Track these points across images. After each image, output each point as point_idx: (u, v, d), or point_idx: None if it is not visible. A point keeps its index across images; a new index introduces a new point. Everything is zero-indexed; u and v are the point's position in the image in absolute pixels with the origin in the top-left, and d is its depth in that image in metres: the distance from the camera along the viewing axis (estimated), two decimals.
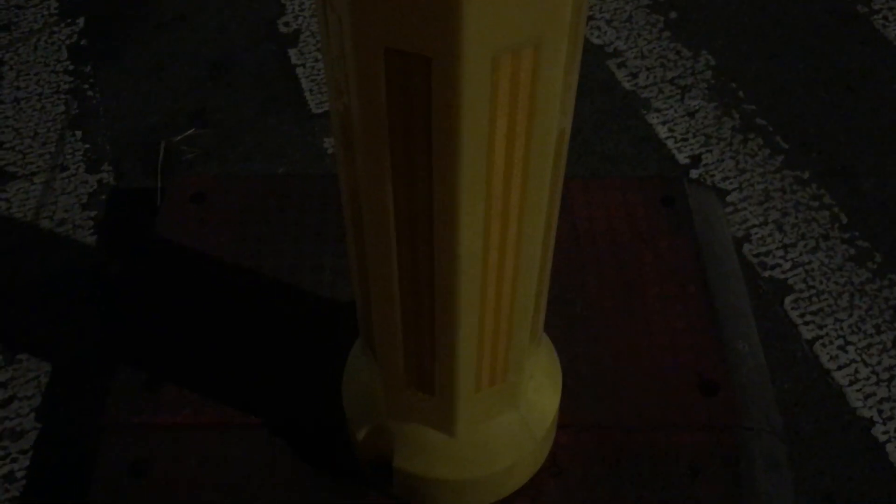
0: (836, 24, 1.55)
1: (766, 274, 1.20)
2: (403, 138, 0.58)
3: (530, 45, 0.51)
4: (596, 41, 1.53)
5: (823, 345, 1.12)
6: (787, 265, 1.21)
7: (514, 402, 0.84)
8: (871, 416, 1.05)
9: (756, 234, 1.24)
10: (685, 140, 1.37)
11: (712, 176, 1.32)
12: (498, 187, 0.62)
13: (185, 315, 1.10)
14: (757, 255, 1.22)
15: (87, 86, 1.45)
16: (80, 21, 1.56)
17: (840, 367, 1.09)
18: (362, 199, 0.67)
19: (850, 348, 1.11)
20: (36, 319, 1.16)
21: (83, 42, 1.53)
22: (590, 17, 1.57)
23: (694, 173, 1.33)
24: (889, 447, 1.03)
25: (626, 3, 1.59)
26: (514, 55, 0.51)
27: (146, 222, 1.24)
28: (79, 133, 1.38)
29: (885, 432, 1.04)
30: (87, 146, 1.36)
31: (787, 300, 1.17)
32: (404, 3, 0.49)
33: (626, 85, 1.45)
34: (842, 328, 1.13)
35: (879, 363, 1.10)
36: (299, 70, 1.49)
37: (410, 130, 0.57)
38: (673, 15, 1.57)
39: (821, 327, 1.14)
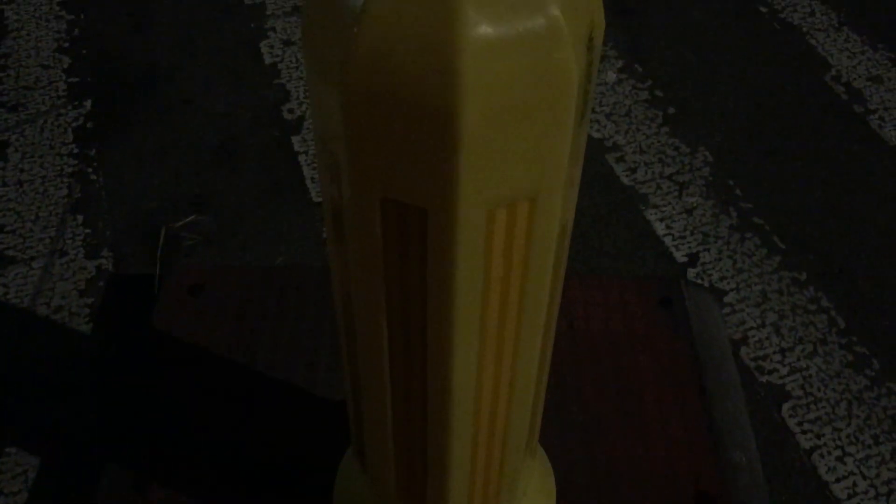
0: (834, 123, 1.57)
1: (764, 379, 1.19)
2: (399, 278, 0.59)
3: (526, 199, 0.52)
4: (595, 135, 1.55)
5: (821, 455, 1.10)
6: (785, 370, 1.20)
7: None
8: None
9: (754, 336, 1.24)
10: (683, 238, 1.38)
11: (710, 275, 1.32)
12: (493, 326, 0.62)
13: (177, 411, 1.09)
14: (754, 359, 1.21)
15: (90, 169, 1.47)
16: (88, 103, 1.58)
17: (838, 480, 1.08)
18: (356, 327, 0.68)
19: (849, 459, 1.10)
20: (27, 410, 1.15)
21: (89, 125, 1.54)
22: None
23: (691, 272, 1.33)
24: None
25: (626, 97, 1.62)
26: (509, 208, 0.52)
27: (143, 311, 1.24)
28: (80, 217, 1.39)
29: None
30: (88, 231, 1.37)
31: (785, 407, 1.16)
32: (402, 158, 0.50)
33: (625, 180, 1.47)
34: (840, 438, 1.12)
35: (878, 476, 1.08)
36: (301, 157, 1.50)
37: (406, 271, 0.58)
38: (671, 110, 1.59)
39: (819, 437, 1.12)
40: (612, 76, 1.66)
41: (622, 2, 1.85)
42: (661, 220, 1.40)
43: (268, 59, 1.70)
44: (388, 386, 0.70)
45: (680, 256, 1.35)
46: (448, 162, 0.47)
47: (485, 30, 0.44)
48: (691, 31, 1.78)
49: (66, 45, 1.71)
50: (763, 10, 1.81)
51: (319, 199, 1.44)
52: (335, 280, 0.71)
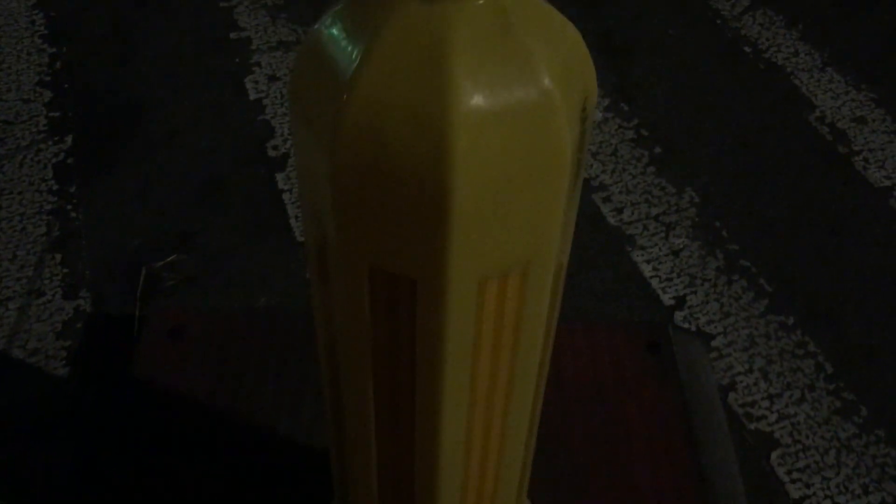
0: (819, 164, 1.57)
1: (752, 426, 1.18)
2: (387, 343, 0.57)
3: (518, 269, 0.50)
4: None
5: None
6: (773, 417, 1.19)
7: None
8: None
9: (741, 382, 1.23)
10: (670, 280, 1.37)
11: (697, 319, 1.31)
12: (483, 391, 0.60)
13: (157, 458, 1.06)
14: (742, 405, 1.20)
15: (70, 206, 1.44)
16: (69, 139, 1.56)
17: None
18: (340, 385, 0.66)
19: None
20: (1, 456, 1.12)
21: (70, 160, 1.52)
22: None
23: (679, 316, 1.32)
24: None
25: (612, 136, 1.62)
26: (500, 279, 0.50)
27: (122, 354, 1.21)
28: (58, 256, 1.36)
29: None
30: (66, 270, 1.34)
31: (774, 455, 1.15)
32: (391, 229, 0.48)
33: (612, 220, 1.46)
34: (829, 487, 1.11)
35: None
36: (286, 196, 1.49)
37: (394, 338, 0.56)
38: (657, 150, 1.59)
39: (808, 486, 1.11)
40: (598, 115, 1.66)
41: (608, 40, 1.86)
42: (648, 261, 1.39)
43: (252, 95, 1.68)
44: (373, 444, 0.68)
45: (667, 299, 1.34)
46: (438, 235, 0.46)
47: (476, 103, 0.43)
48: (677, 70, 1.79)
49: (48, 78, 1.69)
50: (747, 49, 1.82)
51: (303, 239, 1.42)
52: (319, 336, 0.69)
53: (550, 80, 0.44)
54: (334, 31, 0.45)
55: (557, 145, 0.46)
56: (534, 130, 0.45)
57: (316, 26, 0.46)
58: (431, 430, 0.62)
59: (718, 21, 1.90)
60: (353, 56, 0.44)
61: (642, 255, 1.41)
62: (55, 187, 1.47)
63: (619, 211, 1.48)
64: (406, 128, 0.44)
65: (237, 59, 1.77)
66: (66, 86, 1.68)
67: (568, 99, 0.46)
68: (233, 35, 1.83)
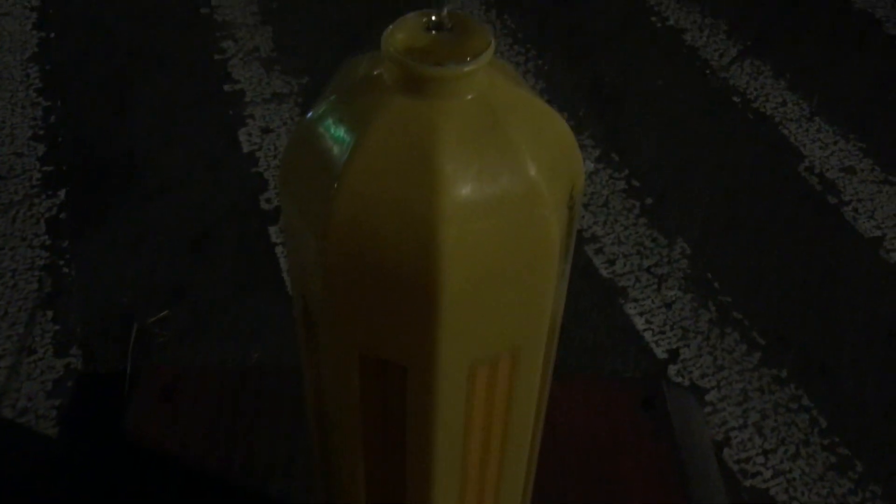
0: (809, 215, 1.58)
1: (748, 483, 1.17)
2: (377, 422, 0.57)
3: (508, 354, 0.50)
4: None
5: None
6: (769, 473, 1.18)
7: None
8: None
9: (736, 437, 1.22)
10: (663, 333, 1.37)
11: (690, 373, 1.31)
12: (475, 468, 0.60)
13: None
14: (737, 462, 1.20)
15: (62, 262, 1.44)
16: (62, 193, 1.57)
17: None
18: (331, 454, 0.65)
19: None
20: None
21: (62, 215, 1.52)
22: None
23: (672, 370, 1.32)
24: None
25: (603, 186, 1.63)
26: (491, 363, 0.50)
27: (113, 413, 1.20)
28: (50, 313, 1.36)
29: None
30: (58, 327, 1.34)
31: None
32: (381, 318, 0.48)
33: (604, 272, 1.46)
34: None
35: None
36: (278, 249, 1.49)
37: (385, 418, 0.56)
38: (649, 200, 1.60)
39: None
40: (589, 165, 1.68)
41: (599, 89, 1.88)
42: (641, 314, 1.40)
43: (246, 147, 1.69)
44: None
45: (660, 352, 1.34)
46: (428, 324, 0.46)
47: (464, 196, 0.43)
48: (667, 120, 1.81)
49: (42, 132, 1.70)
50: (736, 99, 1.85)
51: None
52: (308, 405, 0.69)
53: (537, 172, 0.45)
54: (325, 123, 0.46)
55: (545, 235, 0.46)
56: (521, 221, 0.45)
57: (307, 116, 0.47)
58: (422, 500, 0.62)
59: (707, 71, 1.92)
60: (343, 148, 0.45)
61: (635, 307, 1.41)
62: (48, 242, 1.47)
63: (612, 262, 1.48)
64: (395, 220, 0.45)
65: (231, 112, 1.78)
66: (60, 139, 1.69)
67: (555, 189, 0.46)
68: (227, 87, 1.84)
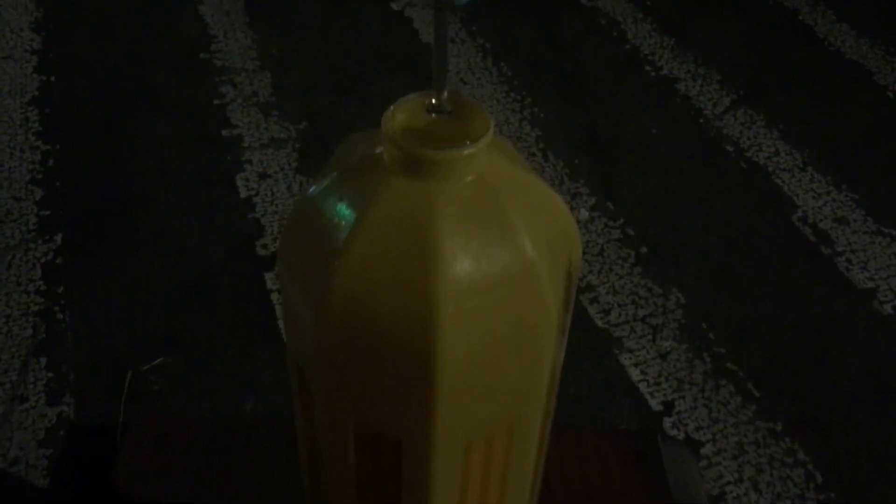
0: (802, 265, 1.59)
1: None
2: (372, 492, 0.57)
3: (504, 429, 0.51)
4: None
5: None
6: None
7: None
8: None
9: (732, 492, 1.22)
10: (658, 384, 1.37)
11: (686, 425, 1.31)
12: None
13: None
14: None
15: (57, 308, 1.44)
16: (59, 237, 1.57)
17: None
18: None
19: None
20: None
21: (59, 260, 1.52)
22: None
23: (667, 422, 1.31)
24: None
25: (598, 235, 1.64)
26: (487, 438, 0.51)
27: (105, 463, 1.19)
28: (43, 360, 1.35)
29: None
30: (51, 375, 1.33)
31: None
32: (377, 393, 0.48)
33: (599, 322, 1.47)
34: None
35: None
36: (274, 296, 1.49)
37: (379, 487, 0.56)
38: (643, 250, 1.61)
39: None
40: (584, 214, 1.69)
41: (594, 137, 1.90)
42: (636, 364, 1.40)
43: (243, 193, 1.70)
44: None
45: (655, 404, 1.34)
46: (424, 400, 0.46)
47: (462, 276, 0.43)
48: (661, 168, 1.82)
49: (40, 176, 1.71)
50: (729, 148, 1.86)
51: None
52: (302, 462, 0.68)
53: (534, 251, 0.45)
54: (326, 200, 0.46)
55: (542, 312, 0.47)
56: (518, 300, 0.46)
57: (309, 191, 0.47)
58: None
59: (701, 120, 1.94)
60: (344, 226, 0.45)
61: (630, 358, 1.41)
62: (43, 288, 1.47)
63: (607, 312, 1.49)
64: (394, 298, 0.45)
65: (229, 157, 1.79)
66: (57, 183, 1.69)
67: (552, 267, 0.47)
68: (225, 132, 1.85)
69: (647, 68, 2.10)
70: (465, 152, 0.42)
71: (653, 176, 1.80)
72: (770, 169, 1.81)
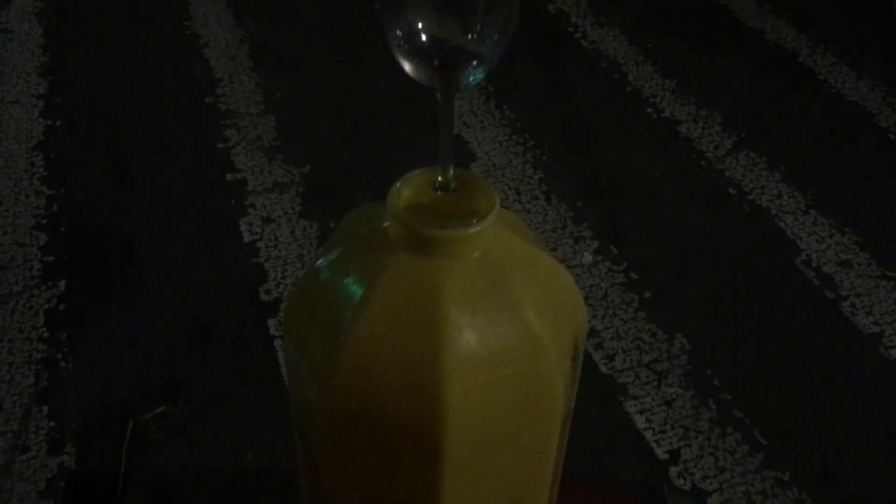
0: (807, 309, 1.59)
1: None
2: None
3: (510, 503, 0.50)
4: None
5: None
6: None
7: None
8: None
9: None
10: (663, 432, 1.36)
11: (692, 475, 1.29)
12: None
13: None
14: None
15: (60, 355, 1.44)
16: (62, 283, 1.57)
17: None
18: None
19: None
20: None
21: (62, 307, 1.52)
22: None
23: (673, 471, 1.30)
24: None
25: (602, 279, 1.63)
26: None
27: None
28: (45, 408, 1.34)
29: None
30: (52, 424, 1.32)
31: None
32: (383, 469, 0.48)
33: (604, 368, 1.46)
34: None
35: None
36: (276, 342, 1.48)
37: None
38: (647, 294, 1.61)
39: None
40: (588, 258, 1.69)
41: (597, 180, 1.90)
42: (641, 412, 1.39)
43: (247, 237, 1.70)
44: None
45: (661, 453, 1.33)
46: (430, 477, 0.46)
47: (468, 354, 0.43)
48: (664, 211, 1.82)
49: (45, 221, 1.71)
50: (732, 191, 1.87)
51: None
52: None
53: (541, 328, 0.45)
54: (332, 274, 0.46)
55: (549, 388, 0.46)
56: (525, 376, 0.45)
57: (316, 264, 0.47)
58: None
59: (703, 163, 1.95)
60: (350, 303, 0.45)
61: (635, 405, 1.40)
62: (46, 335, 1.47)
63: (611, 358, 1.48)
64: (400, 374, 0.45)
65: (233, 201, 1.80)
66: (62, 229, 1.70)
67: (558, 343, 0.46)
68: (229, 176, 1.86)
69: (649, 110, 2.12)
70: (471, 230, 0.42)
71: (656, 219, 1.80)
72: (773, 212, 1.81)
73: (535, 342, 0.45)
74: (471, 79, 0.39)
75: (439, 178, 0.44)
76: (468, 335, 0.43)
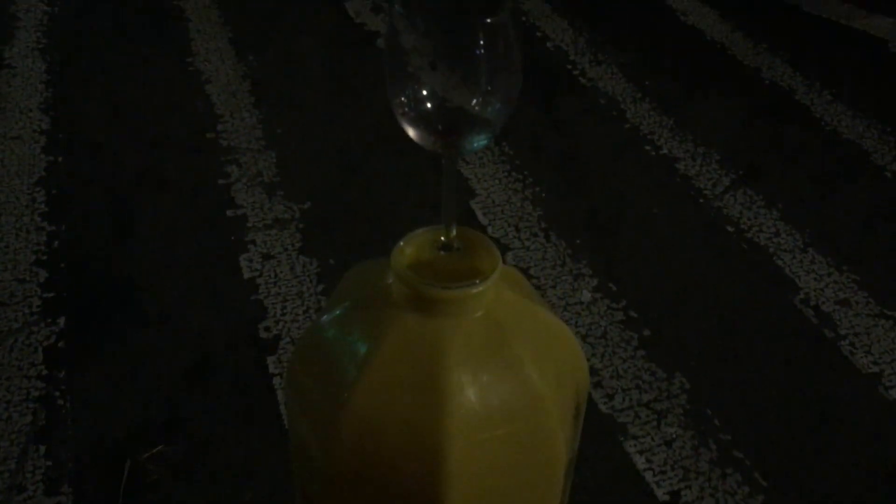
0: (806, 348, 1.59)
1: None
2: None
3: None
4: None
5: None
6: None
7: None
8: None
9: None
10: (664, 472, 1.35)
11: None
12: None
13: None
14: None
15: (58, 393, 1.43)
16: (62, 320, 1.57)
17: None
18: None
19: None
20: None
21: (61, 344, 1.52)
22: None
23: None
24: None
25: (601, 317, 1.64)
26: None
27: None
28: (42, 447, 1.34)
29: None
30: (49, 463, 1.31)
31: None
32: None
33: (603, 408, 1.46)
34: None
35: None
36: (276, 380, 1.48)
37: None
38: (646, 332, 1.61)
39: None
40: (587, 295, 1.69)
41: (595, 217, 1.91)
42: (641, 452, 1.38)
43: (247, 274, 1.71)
44: None
45: (661, 494, 1.32)
46: None
47: (470, 415, 0.43)
48: (662, 248, 1.83)
49: (45, 257, 1.72)
50: (730, 229, 1.88)
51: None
52: None
53: (542, 385, 0.45)
54: (335, 332, 0.47)
55: (550, 446, 0.47)
56: (527, 434, 0.46)
57: (319, 321, 0.48)
58: None
59: (701, 200, 1.96)
60: (354, 359, 0.45)
61: (635, 445, 1.39)
62: (44, 372, 1.46)
63: (611, 397, 1.48)
64: (403, 432, 0.45)
65: (233, 237, 1.80)
66: (62, 265, 1.70)
67: (560, 400, 0.47)
68: (230, 212, 1.87)
69: (647, 147, 2.13)
70: (474, 291, 0.43)
71: (654, 256, 1.81)
72: (771, 250, 1.81)
73: (538, 401, 0.45)
74: (474, 144, 0.39)
75: (442, 238, 0.44)
76: (471, 394, 0.44)
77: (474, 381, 0.43)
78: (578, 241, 1.82)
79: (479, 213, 1.88)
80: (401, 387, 0.43)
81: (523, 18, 2.71)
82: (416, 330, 0.43)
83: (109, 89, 2.30)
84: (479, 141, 0.39)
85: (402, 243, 0.44)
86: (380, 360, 0.43)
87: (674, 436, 1.41)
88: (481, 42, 0.36)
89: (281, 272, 1.71)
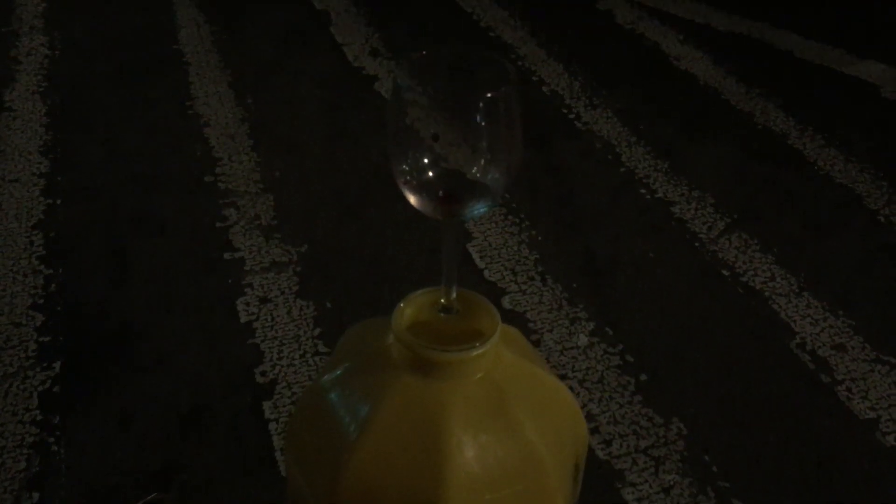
0: (802, 394, 1.59)
1: None
2: None
3: None
4: None
5: None
6: None
7: None
8: None
9: None
10: None
11: None
12: None
13: None
14: None
15: (52, 439, 1.42)
16: (57, 365, 1.57)
17: None
18: None
19: None
20: None
21: (56, 388, 1.52)
22: (562, 377, 1.60)
23: None
24: None
25: (598, 362, 1.64)
26: None
27: None
28: (36, 495, 1.33)
29: None
30: None
31: None
32: None
33: (600, 454, 1.45)
34: None
35: None
36: (272, 425, 1.47)
37: None
38: (643, 377, 1.61)
39: None
40: (584, 340, 1.69)
41: (591, 261, 1.92)
42: (639, 500, 1.37)
43: (243, 318, 1.71)
44: None
45: None
46: None
47: (470, 477, 0.44)
48: (658, 292, 1.84)
49: (41, 301, 1.72)
50: (725, 273, 1.89)
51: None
52: None
53: (542, 446, 0.45)
54: (335, 394, 0.47)
55: None
56: (527, 496, 0.46)
57: (319, 381, 0.48)
58: None
59: (696, 244, 1.97)
60: (354, 420, 0.46)
61: (633, 492, 1.38)
62: (39, 418, 1.46)
63: (608, 443, 1.47)
64: (402, 495, 0.45)
65: (230, 280, 1.81)
66: (58, 308, 1.70)
67: (560, 461, 0.47)
68: (227, 255, 1.88)
69: (643, 191, 2.15)
70: (474, 353, 0.43)
71: (651, 301, 1.81)
72: (766, 294, 1.82)
73: (537, 462, 0.45)
74: (474, 212, 0.40)
75: (442, 301, 0.45)
76: (471, 456, 0.44)
77: (474, 443, 0.44)
78: (575, 285, 1.83)
79: (475, 257, 1.88)
80: (401, 449, 0.43)
81: (519, 63, 2.74)
82: (417, 392, 0.44)
83: (109, 133, 2.32)
84: (479, 208, 0.40)
85: (402, 304, 0.44)
86: (380, 421, 0.44)
87: (672, 483, 1.40)
88: (483, 114, 0.37)
89: (278, 315, 1.71)
